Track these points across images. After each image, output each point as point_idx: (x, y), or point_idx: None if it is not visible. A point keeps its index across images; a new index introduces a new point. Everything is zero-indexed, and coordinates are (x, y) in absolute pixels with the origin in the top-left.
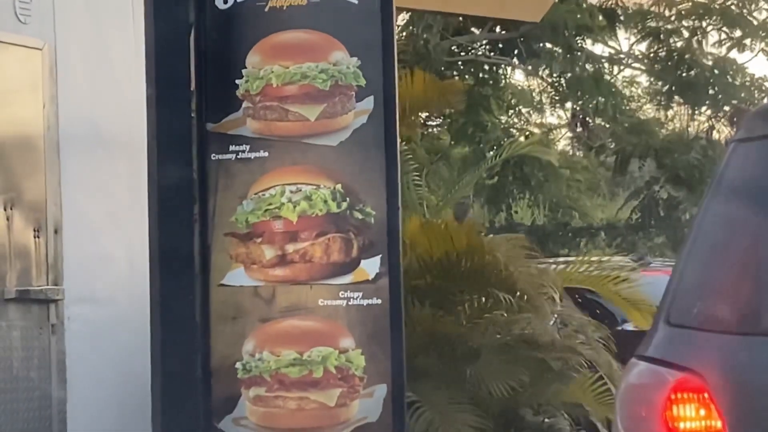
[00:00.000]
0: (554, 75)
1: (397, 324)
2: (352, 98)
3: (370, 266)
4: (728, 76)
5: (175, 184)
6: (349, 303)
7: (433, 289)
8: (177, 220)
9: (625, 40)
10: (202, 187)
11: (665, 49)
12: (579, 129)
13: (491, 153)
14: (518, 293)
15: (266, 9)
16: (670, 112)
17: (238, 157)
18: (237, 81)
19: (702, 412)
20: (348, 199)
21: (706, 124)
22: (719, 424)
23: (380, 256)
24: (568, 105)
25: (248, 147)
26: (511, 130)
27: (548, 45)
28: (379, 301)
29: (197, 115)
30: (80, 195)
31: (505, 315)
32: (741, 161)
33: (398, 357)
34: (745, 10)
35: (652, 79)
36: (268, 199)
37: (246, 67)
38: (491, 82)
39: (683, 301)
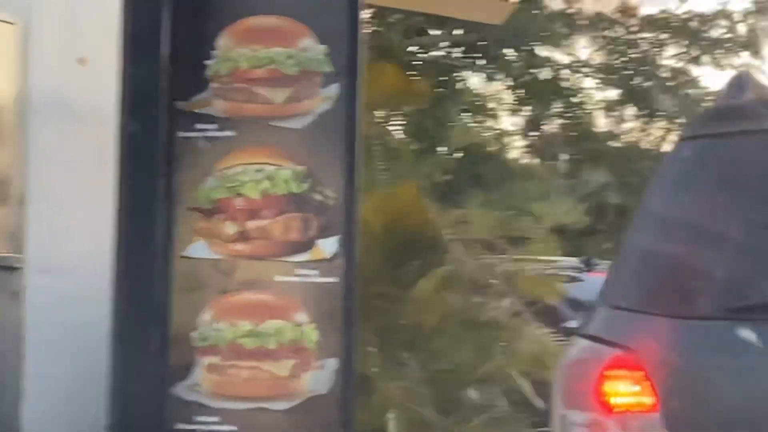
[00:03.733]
0: (513, 80)
1: (351, 301)
2: (318, 84)
3: (328, 246)
4: (683, 88)
5: (143, 158)
6: (305, 280)
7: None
8: (143, 194)
9: (584, 48)
10: (168, 163)
11: (623, 58)
12: (534, 135)
13: (447, 151)
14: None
15: None
16: (625, 122)
17: (205, 135)
18: (207, 62)
19: (635, 388)
20: (309, 180)
21: (660, 135)
22: (651, 400)
23: (337, 237)
24: (525, 110)
25: (215, 126)
26: (468, 131)
27: (508, 50)
28: (335, 280)
29: (168, 93)
30: (47, 167)
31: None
32: (685, 156)
33: (350, 333)
34: (703, 27)
35: (608, 88)
36: (232, 177)
37: (216, 49)
38: (450, 83)
39: (623, 284)
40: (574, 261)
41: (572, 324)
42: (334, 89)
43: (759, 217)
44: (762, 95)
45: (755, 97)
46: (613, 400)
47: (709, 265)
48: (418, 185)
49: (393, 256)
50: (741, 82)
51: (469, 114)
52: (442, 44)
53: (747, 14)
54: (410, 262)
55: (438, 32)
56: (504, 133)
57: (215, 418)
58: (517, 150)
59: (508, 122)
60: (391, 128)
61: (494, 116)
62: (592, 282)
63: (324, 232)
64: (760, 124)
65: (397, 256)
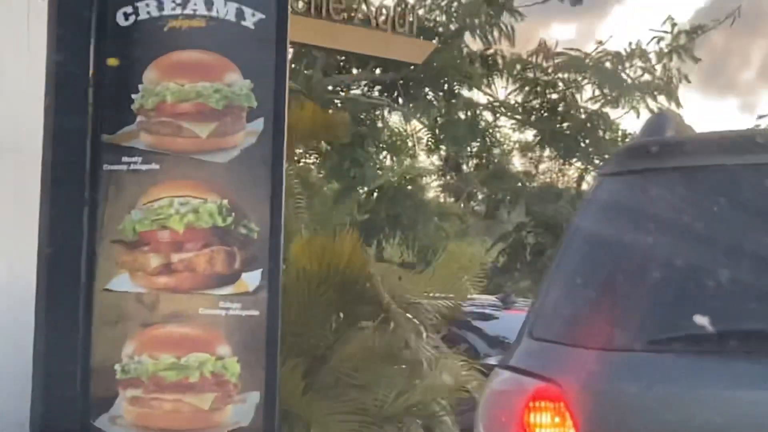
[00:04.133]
0: (430, 119)
1: (273, 335)
2: (243, 119)
3: (251, 279)
4: (600, 131)
5: (67, 190)
6: (228, 313)
7: (310, 303)
8: (66, 226)
9: (502, 88)
10: (93, 194)
11: (540, 99)
12: (450, 174)
13: (364, 189)
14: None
15: (165, 29)
16: (541, 164)
17: (130, 168)
18: (133, 95)
19: (557, 419)
20: (234, 214)
21: (576, 175)
22: (573, 431)
23: (261, 270)
24: (442, 150)
25: (140, 159)
26: (386, 170)
27: (427, 89)
28: (257, 313)
29: (93, 125)
30: None
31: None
32: (605, 193)
33: (272, 366)
34: (619, 67)
35: (525, 128)
36: (156, 210)
37: (143, 83)
38: (368, 121)
39: (546, 316)
40: (491, 298)
41: (489, 360)
42: (258, 124)
43: (678, 251)
44: (681, 133)
45: (675, 135)
46: (536, 431)
47: (630, 297)
48: (356, 235)
49: (327, 301)
50: (661, 120)
51: (387, 153)
52: (361, 83)
53: (661, 54)
54: (345, 307)
55: (357, 71)
56: (422, 172)
57: None
58: (434, 189)
59: (425, 161)
60: (309, 165)
61: (412, 155)
62: (509, 319)
63: (248, 266)
64: (680, 161)
65: (332, 300)
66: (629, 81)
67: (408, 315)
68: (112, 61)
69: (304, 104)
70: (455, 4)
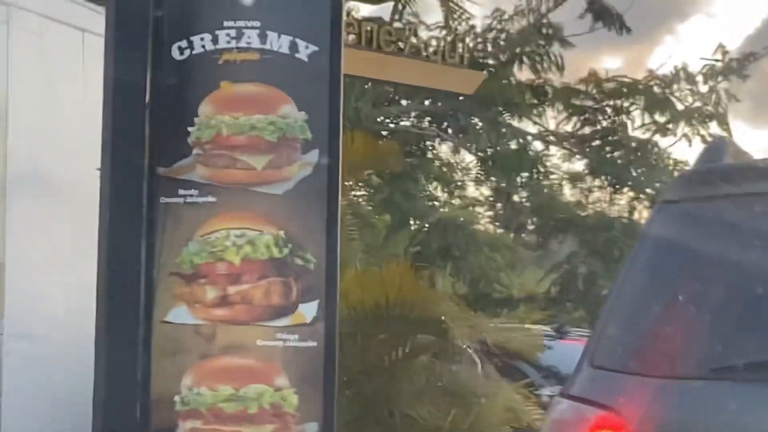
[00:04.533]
0: (480, 151)
1: (330, 366)
2: (298, 150)
3: (308, 310)
4: (651, 159)
5: (125, 224)
6: (286, 344)
7: (362, 336)
8: (124, 259)
9: (552, 118)
10: (150, 228)
11: (590, 128)
12: (501, 205)
13: (415, 222)
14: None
15: (220, 62)
16: (592, 193)
17: (187, 201)
18: (189, 128)
19: None
20: (290, 245)
21: (627, 204)
22: None
23: (318, 301)
24: (492, 180)
25: (197, 192)
26: (436, 202)
27: (476, 119)
28: (315, 344)
29: (149, 159)
30: (24, 235)
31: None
32: (664, 221)
33: (330, 397)
34: (667, 90)
35: (575, 158)
36: (213, 242)
37: (198, 116)
38: (418, 153)
39: (607, 345)
40: (545, 329)
41: (544, 390)
42: (313, 155)
43: (739, 277)
44: (739, 159)
45: (734, 161)
46: None
47: (691, 325)
48: (409, 265)
49: (384, 332)
50: (719, 146)
51: (438, 184)
52: (410, 114)
53: (708, 75)
54: (402, 338)
55: (406, 102)
56: (472, 203)
57: None
58: (485, 220)
59: (475, 192)
60: (360, 197)
61: (462, 187)
62: (563, 349)
63: (305, 297)
64: (740, 187)
65: (388, 332)
66: (679, 106)
67: (465, 347)
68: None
69: (354, 135)
70: (504, 34)
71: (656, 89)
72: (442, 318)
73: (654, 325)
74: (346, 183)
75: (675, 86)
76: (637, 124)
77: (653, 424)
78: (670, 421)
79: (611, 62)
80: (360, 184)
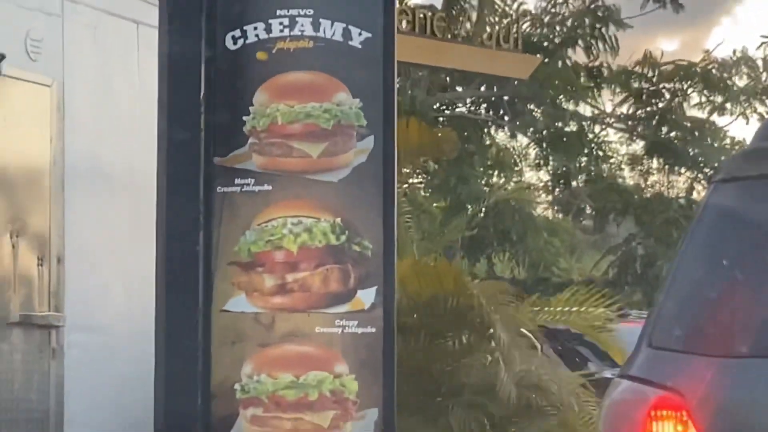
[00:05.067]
0: (537, 134)
1: (390, 351)
2: (353, 137)
3: (366, 296)
4: (708, 138)
5: (182, 214)
6: (345, 331)
7: (419, 327)
8: (183, 249)
9: (608, 101)
10: (207, 217)
11: (647, 110)
12: (559, 189)
13: (471, 206)
14: (499, 335)
15: (274, 51)
16: (650, 175)
17: (243, 189)
18: (244, 117)
19: (680, 428)
20: (347, 232)
21: (685, 185)
22: None
23: (376, 287)
24: (550, 165)
25: (253, 180)
26: (493, 187)
27: (532, 104)
28: (373, 330)
29: (205, 149)
30: (83, 227)
31: (490, 356)
32: (720, 199)
33: (390, 383)
34: (725, 74)
35: (633, 140)
36: (270, 231)
37: (253, 105)
38: (474, 139)
39: (665, 325)
40: (604, 312)
41: (605, 373)
42: (369, 142)
43: None
44: None
45: None
46: None
47: (749, 304)
48: (459, 266)
49: (441, 323)
50: None
51: (494, 170)
52: (466, 100)
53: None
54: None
55: (461, 89)
56: (529, 188)
57: None
58: (542, 205)
59: (533, 177)
60: (416, 184)
61: (519, 171)
62: (623, 331)
63: (362, 283)
64: None
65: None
66: (736, 87)
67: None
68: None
69: (409, 122)
70: (559, 18)
71: (714, 71)
72: (491, 309)
73: (712, 304)
74: (403, 170)
75: (733, 70)
76: (693, 104)
77: (713, 403)
78: (731, 399)
79: (667, 44)
80: (417, 170)
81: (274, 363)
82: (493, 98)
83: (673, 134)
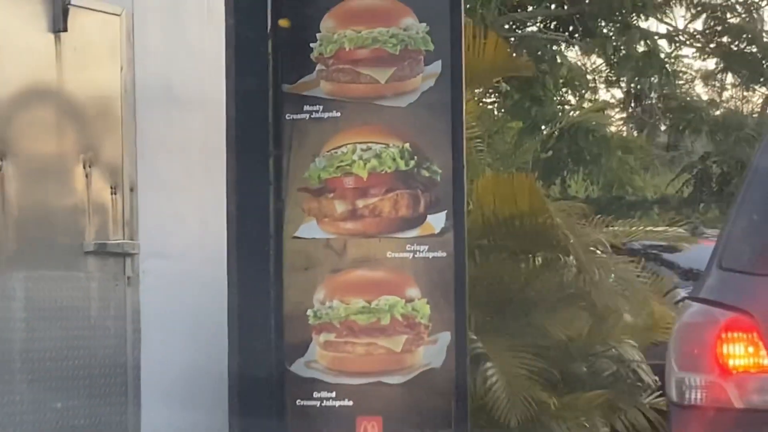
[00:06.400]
0: (608, 53)
1: (461, 275)
2: (420, 62)
3: (436, 221)
4: None
5: (252, 142)
6: (416, 255)
7: (496, 246)
8: (253, 177)
9: (680, 17)
10: (277, 145)
11: (720, 25)
12: (632, 107)
13: (546, 127)
14: (572, 255)
15: None
16: (724, 91)
17: (312, 116)
18: (311, 44)
19: (751, 349)
20: (416, 157)
21: (760, 101)
22: (767, 361)
23: (446, 211)
24: (622, 83)
25: (321, 107)
26: (566, 107)
27: (603, 22)
28: (444, 254)
29: (273, 76)
30: (155, 155)
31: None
32: None
33: (462, 306)
34: None
35: (706, 56)
36: (339, 157)
37: (320, 31)
38: (546, 58)
39: (734, 247)
40: (680, 230)
41: (681, 291)
42: (436, 66)
43: None
44: None
45: None
46: (730, 362)
47: None
48: (532, 177)
49: (507, 243)
50: None
51: (567, 89)
52: (536, 20)
53: None
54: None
55: (532, 8)
56: (603, 107)
57: (332, 393)
58: (616, 123)
59: (606, 95)
60: (490, 104)
61: (592, 90)
62: (700, 250)
63: (432, 208)
64: None
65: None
66: None
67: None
68: (284, 22)
69: (486, 41)
70: None
71: None
72: (565, 231)
73: None
74: (475, 90)
75: None
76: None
77: None
78: None
79: None
80: (489, 90)
81: (346, 288)
82: (563, 17)
83: (747, 50)
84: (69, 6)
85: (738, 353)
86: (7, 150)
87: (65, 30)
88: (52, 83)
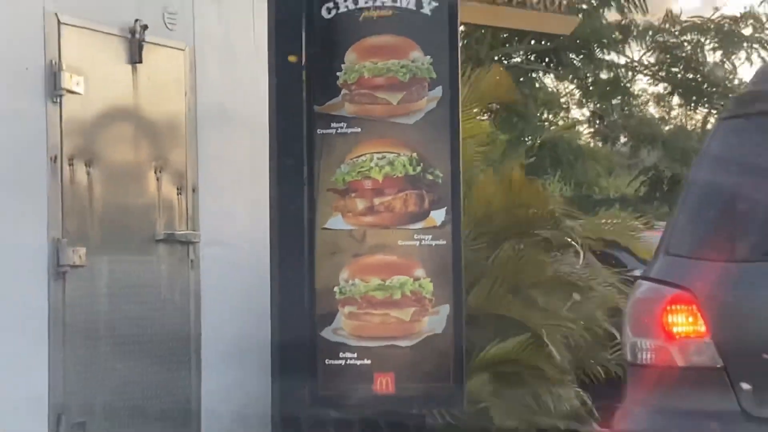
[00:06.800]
0: (579, 80)
1: (458, 259)
2: (425, 88)
3: (438, 216)
4: (722, 80)
5: (290, 152)
6: (422, 243)
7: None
8: (291, 180)
9: (637, 51)
10: (309, 154)
11: (670, 58)
12: (598, 123)
13: (529, 139)
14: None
15: (360, 19)
16: (672, 110)
17: (338, 132)
18: (338, 73)
19: (690, 319)
20: (421, 164)
21: (701, 118)
22: (703, 328)
23: (445, 208)
24: (590, 104)
25: (345, 124)
26: (546, 123)
27: (574, 55)
28: (444, 242)
29: (307, 99)
30: (212, 163)
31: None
32: (723, 133)
33: (458, 283)
34: (734, 29)
35: (658, 83)
36: (360, 164)
37: (345, 63)
38: (528, 84)
39: (678, 236)
40: (637, 223)
41: (635, 272)
42: (438, 91)
43: None
44: None
45: None
46: (674, 329)
47: (747, 218)
48: (524, 173)
49: (510, 228)
50: None
51: (545, 109)
52: (520, 53)
53: None
54: (525, 233)
55: (516, 43)
56: (574, 123)
57: (354, 354)
58: (585, 136)
59: (577, 114)
60: (484, 122)
61: (566, 109)
62: (652, 238)
63: (435, 205)
64: None
65: (511, 227)
66: (744, 38)
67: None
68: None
69: (492, 66)
70: None
71: (725, 27)
72: (556, 214)
73: (716, 219)
74: (474, 110)
75: (742, 24)
76: (709, 52)
77: (718, 299)
78: (732, 297)
79: (687, 2)
80: (483, 111)
81: (365, 269)
82: (542, 51)
83: (691, 77)
84: (143, 43)
85: (680, 322)
86: (93, 158)
87: (140, 62)
88: (130, 105)
